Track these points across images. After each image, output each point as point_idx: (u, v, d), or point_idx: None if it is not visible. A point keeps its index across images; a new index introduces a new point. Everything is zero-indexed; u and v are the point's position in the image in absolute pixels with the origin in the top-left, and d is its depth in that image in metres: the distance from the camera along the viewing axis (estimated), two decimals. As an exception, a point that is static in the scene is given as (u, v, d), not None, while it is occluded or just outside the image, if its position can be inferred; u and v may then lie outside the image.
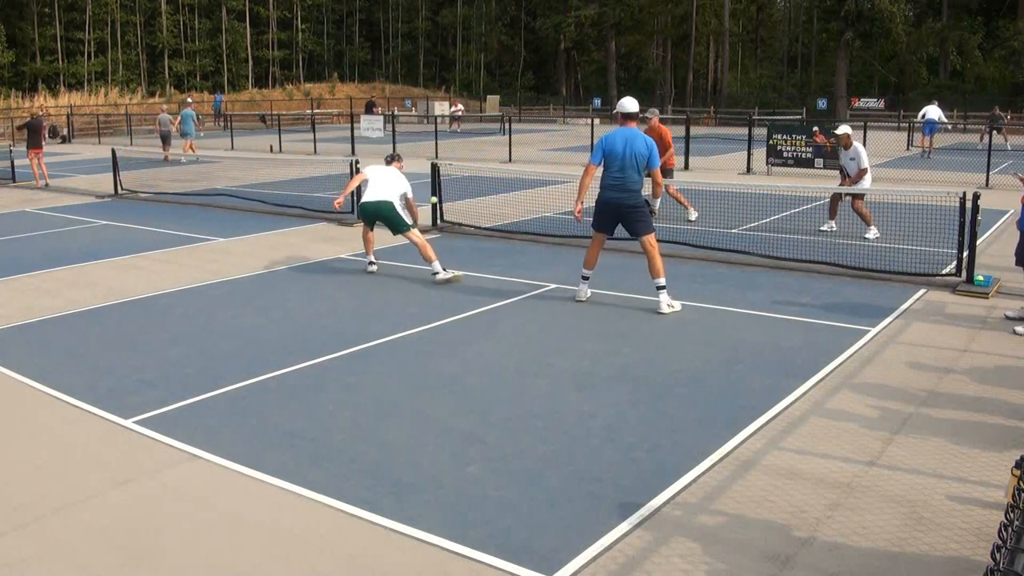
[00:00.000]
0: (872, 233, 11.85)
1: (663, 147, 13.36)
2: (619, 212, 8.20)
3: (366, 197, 9.95)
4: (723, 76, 61.58)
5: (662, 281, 8.12)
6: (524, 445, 5.13)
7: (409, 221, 9.93)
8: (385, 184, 9.97)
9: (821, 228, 12.42)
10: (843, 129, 12.29)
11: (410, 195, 10.08)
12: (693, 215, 13.45)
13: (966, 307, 8.30)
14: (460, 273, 9.62)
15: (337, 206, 10.33)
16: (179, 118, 27.73)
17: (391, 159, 10.43)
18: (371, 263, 10.17)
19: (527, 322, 7.84)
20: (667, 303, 8.10)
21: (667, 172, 13.54)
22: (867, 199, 13.44)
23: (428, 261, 9.56)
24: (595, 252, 8.49)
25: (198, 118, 28.93)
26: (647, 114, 13.83)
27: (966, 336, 7.34)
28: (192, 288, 9.39)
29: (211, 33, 64.39)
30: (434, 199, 12.84)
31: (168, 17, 62.70)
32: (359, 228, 13.08)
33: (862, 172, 11.90)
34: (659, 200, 13.55)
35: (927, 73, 54.98)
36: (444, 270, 9.55)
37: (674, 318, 7.93)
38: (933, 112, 26.16)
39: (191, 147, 26.38)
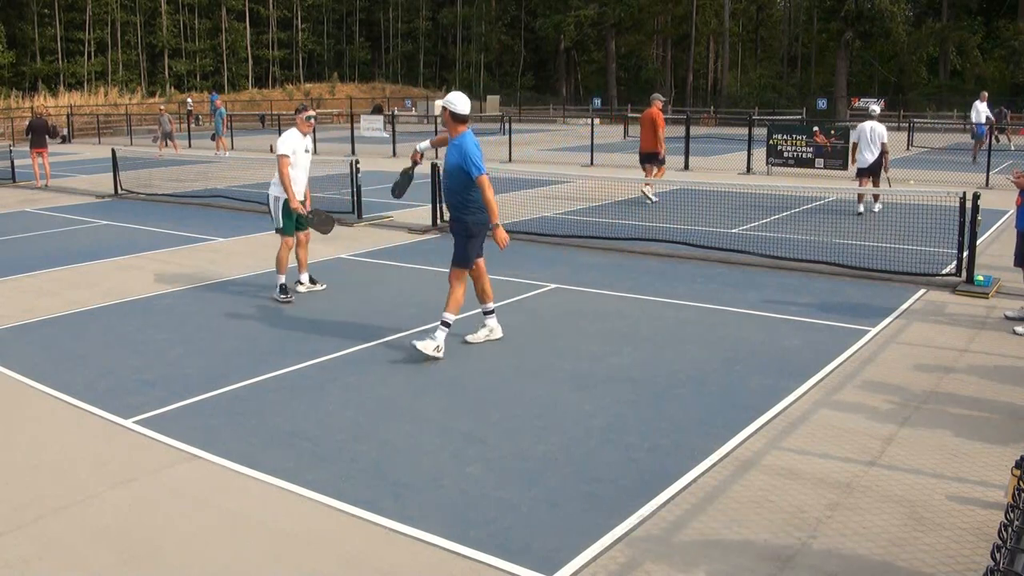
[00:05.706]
0: (878, 207, 13.84)
1: (655, 132, 15.26)
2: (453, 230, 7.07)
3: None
4: (723, 76, 61.59)
5: (452, 318, 6.81)
6: (524, 445, 5.13)
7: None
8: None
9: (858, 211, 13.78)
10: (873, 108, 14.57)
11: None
12: (651, 195, 15.06)
13: (966, 307, 8.30)
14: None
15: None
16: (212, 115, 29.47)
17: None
18: None
19: (527, 322, 7.83)
20: (439, 344, 6.68)
21: (656, 155, 15.44)
22: (866, 197, 13.97)
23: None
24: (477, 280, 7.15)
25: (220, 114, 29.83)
26: (652, 98, 15.85)
27: (966, 336, 7.34)
28: (192, 288, 9.39)
29: (211, 33, 64.48)
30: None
31: (168, 17, 62.78)
32: (360, 228, 13.13)
33: (882, 147, 13.47)
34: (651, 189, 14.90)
35: (927, 73, 54.99)
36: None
37: (674, 318, 7.91)
38: (979, 114, 23.32)
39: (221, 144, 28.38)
